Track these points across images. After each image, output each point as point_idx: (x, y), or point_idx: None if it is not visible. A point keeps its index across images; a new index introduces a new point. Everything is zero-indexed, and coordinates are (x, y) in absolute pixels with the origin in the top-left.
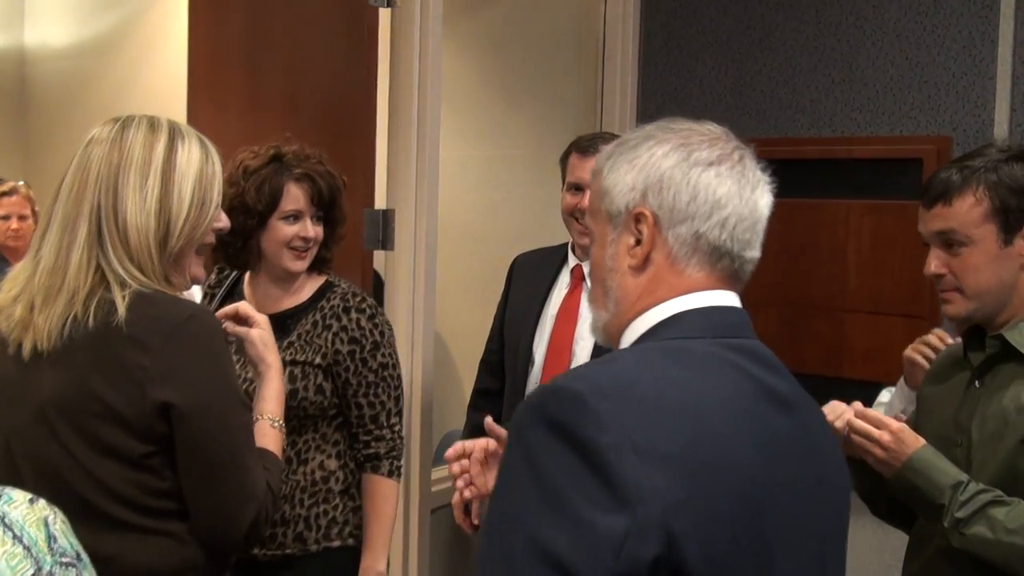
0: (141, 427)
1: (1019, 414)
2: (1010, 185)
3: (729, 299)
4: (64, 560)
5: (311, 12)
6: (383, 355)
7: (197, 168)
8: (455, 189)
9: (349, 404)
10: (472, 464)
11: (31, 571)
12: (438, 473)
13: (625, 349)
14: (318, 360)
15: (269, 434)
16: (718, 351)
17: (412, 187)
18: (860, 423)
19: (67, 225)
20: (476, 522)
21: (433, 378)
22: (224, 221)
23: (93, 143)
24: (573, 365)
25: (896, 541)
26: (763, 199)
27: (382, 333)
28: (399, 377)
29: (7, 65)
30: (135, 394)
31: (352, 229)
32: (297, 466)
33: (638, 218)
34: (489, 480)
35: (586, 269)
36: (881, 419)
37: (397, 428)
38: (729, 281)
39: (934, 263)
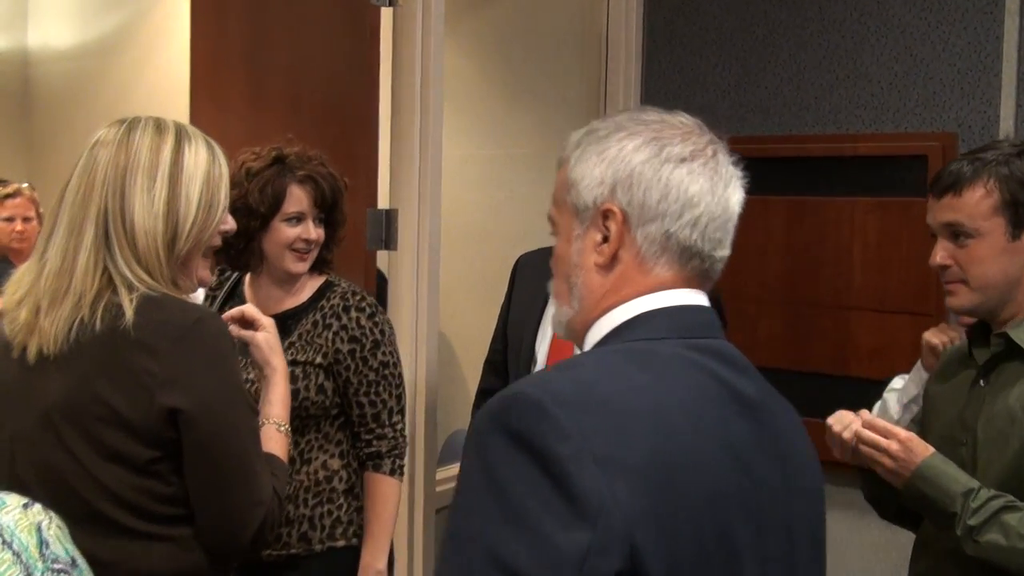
0: (148, 432)
1: None
2: (1021, 179)
3: (696, 298)
4: (56, 567)
5: (312, 12)
6: (384, 353)
7: (204, 170)
8: (458, 188)
9: (350, 403)
10: None
11: None
12: (443, 473)
13: (588, 353)
14: (319, 360)
15: (275, 438)
16: (684, 352)
17: (415, 187)
18: (868, 433)
19: (73, 227)
20: None
21: (437, 378)
22: (231, 223)
23: (99, 145)
24: None
25: (903, 540)
26: (735, 196)
27: (382, 331)
28: (400, 375)
29: (11, 67)
30: (142, 399)
31: (355, 229)
32: (300, 466)
33: (606, 215)
34: None
35: None
36: (889, 428)
37: (399, 426)
38: (698, 280)
39: (940, 254)
